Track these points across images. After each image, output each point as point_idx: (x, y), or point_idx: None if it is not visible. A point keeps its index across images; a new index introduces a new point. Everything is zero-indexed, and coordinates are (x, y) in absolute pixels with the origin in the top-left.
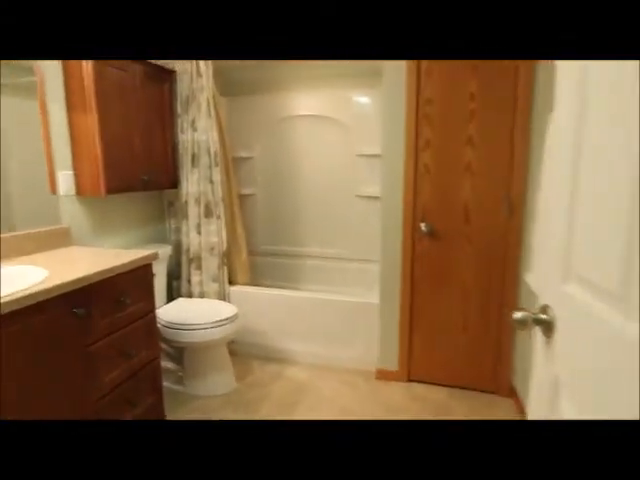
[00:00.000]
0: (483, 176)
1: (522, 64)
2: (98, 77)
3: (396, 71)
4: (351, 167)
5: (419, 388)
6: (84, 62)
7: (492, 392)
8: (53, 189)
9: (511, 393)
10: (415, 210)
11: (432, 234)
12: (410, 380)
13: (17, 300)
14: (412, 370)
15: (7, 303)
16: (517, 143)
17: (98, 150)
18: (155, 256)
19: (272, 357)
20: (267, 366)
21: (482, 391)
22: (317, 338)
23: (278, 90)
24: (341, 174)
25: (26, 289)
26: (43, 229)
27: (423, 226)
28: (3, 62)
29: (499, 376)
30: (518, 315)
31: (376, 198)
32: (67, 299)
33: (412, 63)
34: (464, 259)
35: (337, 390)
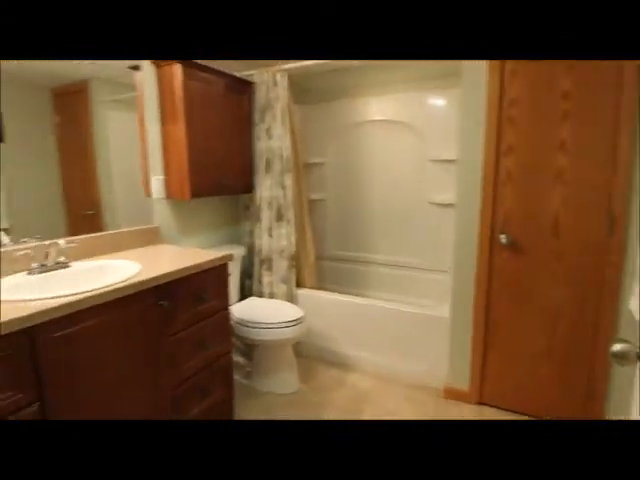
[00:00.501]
0: (577, 186)
1: (627, 61)
2: (186, 91)
3: (476, 70)
4: (424, 173)
5: (491, 413)
6: (175, 78)
7: None
8: (147, 192)
9: None
10: (494, 220)
11: (513, 247)
12: (481, 403)
13: (118, 290)
14: (484, 392)
15: (111, 292)
16: (621, 149)
17: (185, 157)
18: (230, 257)
19: (336, 362)
20: (331, 370)
21: None
22: (382, 348)
23: (350, 96)
24: (413, 180)
25: (124, 280)
26: (138, 228)
27: (503, 237)
28: (111, 80)
29: (590, 410)
30: (618, 347)
31: (450, 205)
32: (155, 292)
33: (495, 61)
34: (551, 277)
35: (402, 405)
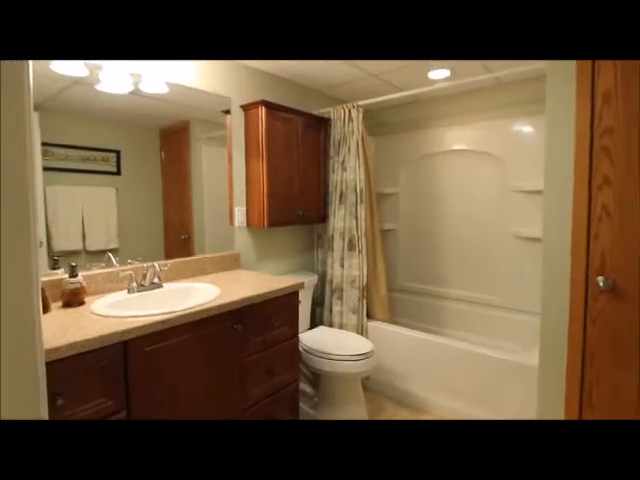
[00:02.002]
0: None
1: None
2: (268, 130)
3: (563, 95)
4: (507, 204)
5: None
6: (259, 118)
7: None
8: (231, 221)
9: None
10: (589, 259)
11: (614, 291)
12: None
13: (201, 311)
14: None
15: (195, 313)
16: None
17: (264, 190)
18: (302, 285)
19: (405, 402)
20: (400, 410)
21: None
22: (457, 391)
23: (426, 127)
24: (495, 211)
25: (206, 303)
26: (221, 254)
27: (601, 281)
28: (208, 120)
29: None
30: None
31: (535, 240)
32: (231, 315)
33: (584, 84)
34: None
35: None
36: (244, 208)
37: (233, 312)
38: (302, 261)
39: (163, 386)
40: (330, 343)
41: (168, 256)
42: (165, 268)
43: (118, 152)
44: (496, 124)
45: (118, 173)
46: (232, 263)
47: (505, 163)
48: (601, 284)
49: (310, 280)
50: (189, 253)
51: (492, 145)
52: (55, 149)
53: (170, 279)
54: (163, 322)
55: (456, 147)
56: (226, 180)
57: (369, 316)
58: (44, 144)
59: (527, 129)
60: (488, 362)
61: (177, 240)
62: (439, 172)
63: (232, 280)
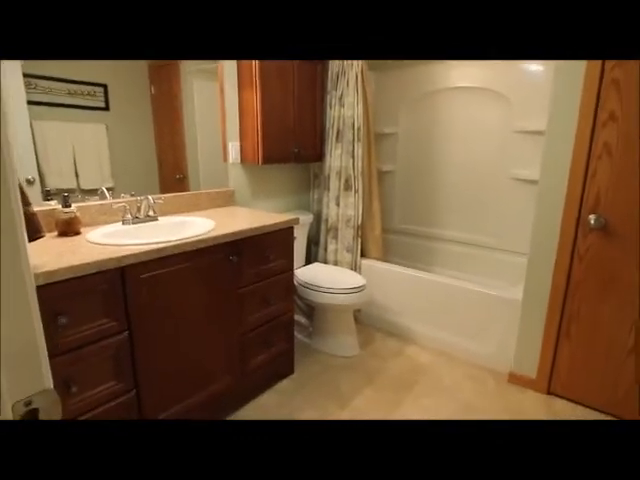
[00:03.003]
0: None
1: None
2: (262, 60)
3: None
4: (507, 145)
5: (561, 404)
6: None
7: None
8: (225, 157)
9: None
10: (584, 199)
11: (604, 230)
12: (550, 393)
13: (195, 242)
14: (554, 382)
15: (190, 243)
16: None
17: (258, 124)
18: (296, 221)
19: (394, 333)
20: (388, 340)
21: None
22: (445, 324)
23: (430, 62)
24: (493, 153)
25: (201, 235)
26: (215, 190)
27: (592, 219)
28: None
29: None
30: None
31: (534, 182)
32: (226, 247)
33: None
34: None
35: (460, 382)
36: (238, 143)
37: (228, 244)
38: (298, 200)
39: (163, 310)
40: (324, 277)
41: (163, 193)
42: (160, 201)
43: (105, 86)
44: (506, 60)
45: (107, 109)
46: (227, 199)
47: (510, 102)
48: (592, 222)
49: (306, 219)
50: (184, 191)
51: (498, 82)
52: (38, 81)
53: (165, 213)
54: (159, 250)
55: (461, 84)
56: (219, 115)
57: (363, 254)
58: (26, 75)
59: (537, 67)
60: (476, 297)
61: (172, 180)
62: (440, 112)
63: (227, 215)
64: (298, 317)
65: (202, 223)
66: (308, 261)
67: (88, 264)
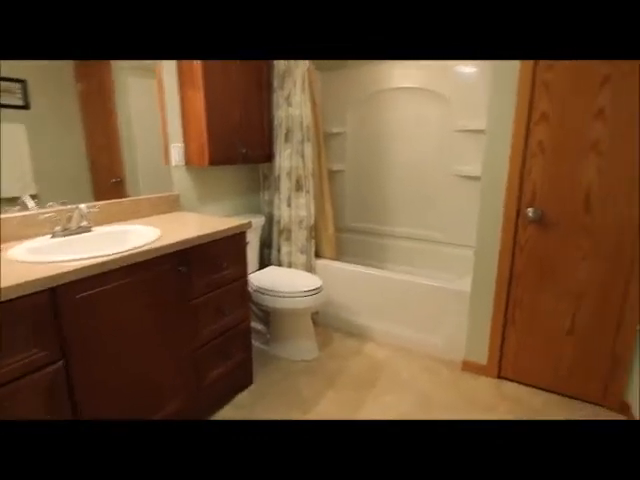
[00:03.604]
0: (614, 157)
1: None
2: None
3: None
4: (449, 144)
5: (511, 387)
6: None
7: (598, 404)
8: (166, 160)
9: (622, 409)
10: (522, 193)
11: (541, 221)
12: (500, 377)
13: (137, 254)
14: (504, 367)
15: (130, 256)
16: None
17: (203, 124)
18: (248, 225)
19: (353, 332)
20: (347, 340)
21: (587, 401)
22: (400, 319)
23: (373, 62)
24: (438, 151)
25: (144, 245)
26: (158, 195)
27: (530, 212)
28: None
29: (610, 388)
30: None
31: (476, 178)
32: (174, 257)
33: None
34: (579, 253)
35: (417, 375)
36: (181, 144)
37: (176, 254)
38: (247, 203)
39: (105, 332)
40: (280, 281)
41: (98, 200)
42: (94, 210)
43: (24, 82)
44: (438, 62)
45: (26, 107)
46: (171, 205)
47: (450, 102)
48: (530, 215)
49: (257, 221)
50: (122, 197)
51: (437, 83)
52: None
53: (101, 222)
54: (96, 266)
55: (403, 85)
56: (159, 115)
57: (317, 255)
58: None
59: (471, 69)
60: (426, 290)
61: (107, 185)
62: (386, 112)
63: (173, 222)
64: (254, 324)
65: (145, 232)
66: (262, 265)
67: (9, 287)
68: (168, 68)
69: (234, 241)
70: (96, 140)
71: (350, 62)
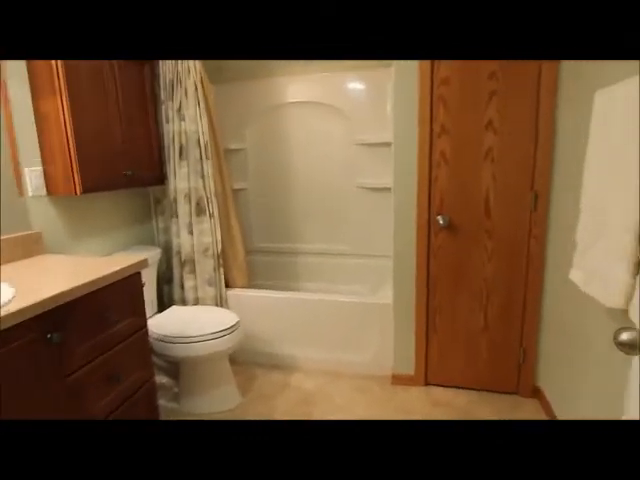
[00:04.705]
0: (505, 164)
1: None
2: None
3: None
4: (351, 157)
5: (438, 392)
6: None
7: (514, 393)
8: (20, 190)
9: (535, 393)
10: (431, 202)
11: (450, 227)
12: (428, 384)
13: None
14: (430, 374)
15: None
16: (542, 127)
17: (71, 142)
18: (144, 263)
19: (276, 365)
20: (271, 375)
21: (504, 393)
22: (324, 343)
23: (268, 76)
24: (340, 165)
25: None
26: (10, 236)
27: (440, 219)
28: None
29: (522, 377)
30: (625, 337)
31: (379, 190)
32: (39, 322)
33: None
34: (484, 255)
35: (350, 397)
36: (40, 168)
37: (42, 317)
38: (138, 233)
39: None
40: (187, 324)
41: None
42: None
43: None
44: (334, 77)
45: None
46: (31, 247)
47: (347, 117)
48: (441, 222)
49: (153, 255)
50: None
51: (333, 98)
52: None
53: None
54: None
55: (299, 99)
56: (4, 131)
57: (228, 285)
58: None
59: (361, 85)
60: (347, 308)
61: None
62: (286, 126)
63: (34, 272)
64: (158, 378)
65: None
66: (162, 306)
67: None
68: (15, 70)
69: (126, 285)
70: None
71: (244, 74)
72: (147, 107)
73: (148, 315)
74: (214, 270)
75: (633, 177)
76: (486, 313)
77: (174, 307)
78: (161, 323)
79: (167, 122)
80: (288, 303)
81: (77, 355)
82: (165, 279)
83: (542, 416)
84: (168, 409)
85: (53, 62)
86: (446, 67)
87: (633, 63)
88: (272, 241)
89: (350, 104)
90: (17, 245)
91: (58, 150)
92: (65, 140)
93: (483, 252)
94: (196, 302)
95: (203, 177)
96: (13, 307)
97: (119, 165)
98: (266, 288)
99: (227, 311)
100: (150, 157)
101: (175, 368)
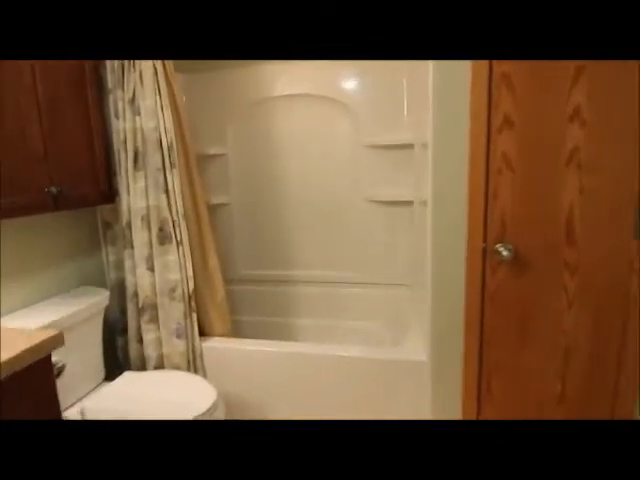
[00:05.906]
0: (597, 172)
1: None
2: None
3: None
4: (358, 163)
5: None
6: None
7: None
8: None
9: None
10: (487, 224)
11: (515, 260)
12: None
13: None
14: None
15: None
16: None
17: None
18: (58, 339)
19: None
20: None
21: None
22: (332, 410)
23: (254, 63)
24: (345, 172)
25: None
26: None
27: (502, 249)
28: None
29: None
30: None
31: (394, 204)
32: None
33: None
34: (564, 298)
35: None
36: None
37: None
38: (79, 269)
39: None
40: (145, 407)
41: None
42: None
43: None
44: (336, 64)
45: None
46: None
47: (355, 112)
48: (503, 252)
49: (97, 301)
50: None
51: (337, 90)
52: None
53: None
54: None
55: (293, 91)
56: None
57: (203, 333)
58: None
59: (369, 72)
60: (360, 365)
61: None
62: (278, 125)
63: None
64: None
65: None
66: (111, 369)
67: None
68: None
69: (25, 381)
70: None
71: (223, 61)
72: (87, 97)
73: (91, 387)
74: (184, 317)
75: None
76: (564, 379)
77: (128, 374)
78: (106, 403)
79: (116, 117)
80: (284, 358)
81: None
82: (118, 330)
83: None
84: None
85: None
86: None
87: None
88: (261, 267)
89: (357, 97)
90: None
91: None
92: None
93: (562, 294)
94: (160, 361)
95: (167, 192)
96: None
97: (40, 180)
98: (253, 325)
99: (202, 382)
100: (92, 166)
101: None
